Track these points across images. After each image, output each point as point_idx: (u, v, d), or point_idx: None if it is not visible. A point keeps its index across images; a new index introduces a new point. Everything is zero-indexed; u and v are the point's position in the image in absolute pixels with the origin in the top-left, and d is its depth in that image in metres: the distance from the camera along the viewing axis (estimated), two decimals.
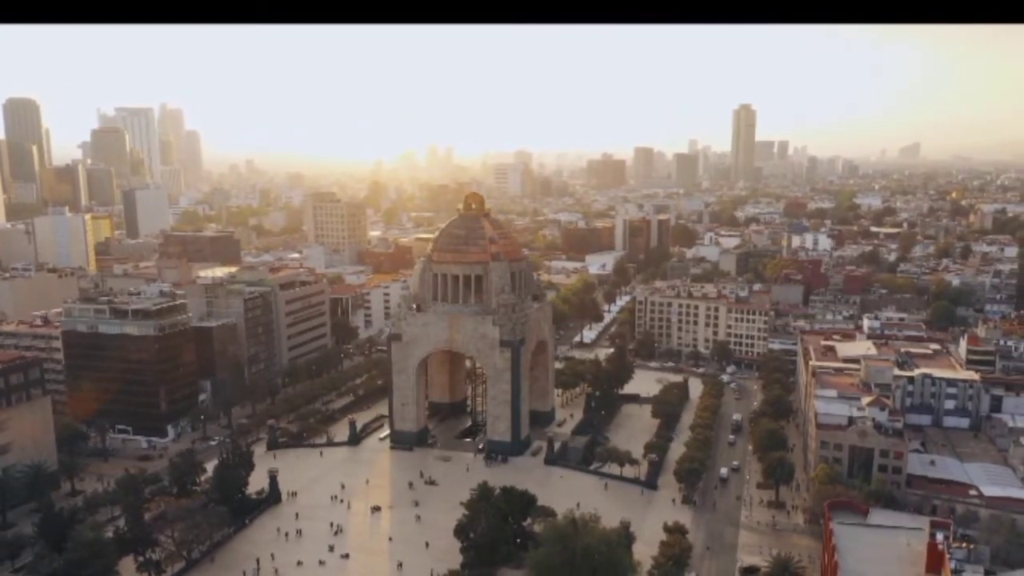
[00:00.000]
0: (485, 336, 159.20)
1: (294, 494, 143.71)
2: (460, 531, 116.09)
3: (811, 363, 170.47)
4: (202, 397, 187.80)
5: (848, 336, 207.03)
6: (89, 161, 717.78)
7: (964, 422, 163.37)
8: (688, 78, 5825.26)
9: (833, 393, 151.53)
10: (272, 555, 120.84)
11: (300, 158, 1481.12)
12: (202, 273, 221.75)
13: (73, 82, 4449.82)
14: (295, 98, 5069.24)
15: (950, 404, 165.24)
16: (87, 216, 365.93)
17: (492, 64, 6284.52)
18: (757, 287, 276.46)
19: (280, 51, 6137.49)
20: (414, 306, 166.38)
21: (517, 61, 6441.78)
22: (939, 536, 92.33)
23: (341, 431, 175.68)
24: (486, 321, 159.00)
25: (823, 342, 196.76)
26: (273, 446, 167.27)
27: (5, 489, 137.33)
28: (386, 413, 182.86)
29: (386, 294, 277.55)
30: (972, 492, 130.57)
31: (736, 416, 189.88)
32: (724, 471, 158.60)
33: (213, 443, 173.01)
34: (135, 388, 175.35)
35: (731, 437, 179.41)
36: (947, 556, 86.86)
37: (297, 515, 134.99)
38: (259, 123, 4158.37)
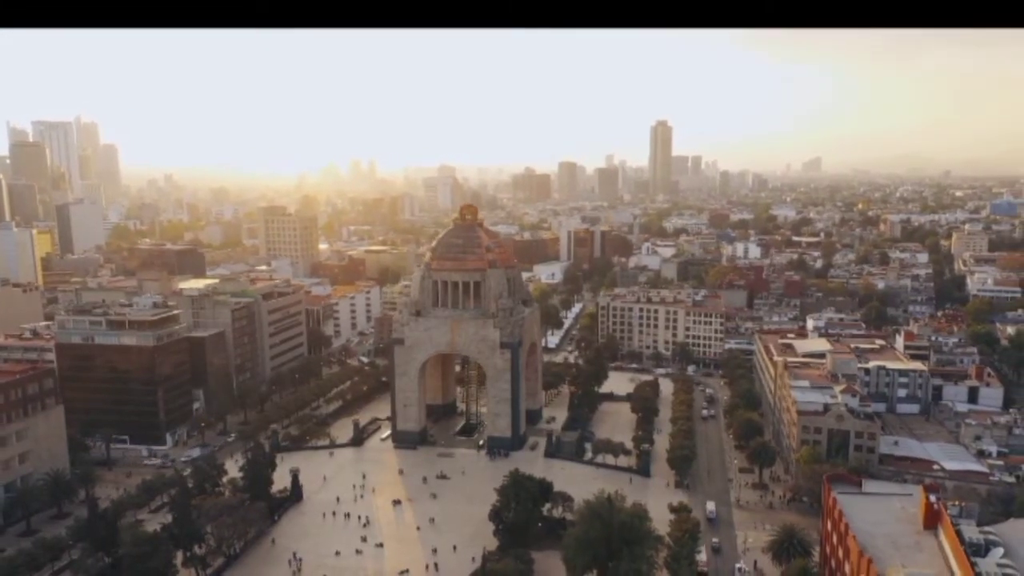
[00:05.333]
0: (486, 339, 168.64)
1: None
2: (494, 515, 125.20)
3: (780, 358, 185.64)
4: (196, 405, 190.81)
5: (801, 334, 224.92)
6: (1, 176, 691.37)
7: (915, 408, 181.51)
8: (601, 94, 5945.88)
9: (806, 383, 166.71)
10: (294, 554, 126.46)
11: (219, 172, 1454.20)
12: (180, 285, 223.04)
13: None
14: (208, 111, 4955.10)
15: (902, 392, 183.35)
16: (34, 231, 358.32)
17: (408, 78, 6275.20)
18: (703, 293, 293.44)
19: (190, 62, 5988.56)
20: (415, 312, 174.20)
21: (433, 75, 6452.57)
22: (932, 497, 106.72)
23: (338, 434, 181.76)
24: (487, 324, 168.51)
25: (780, 340, 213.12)
26: (275, 449, 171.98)
27: (29, 496, 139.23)
28: (380, 416, 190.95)
29: (352, 305, 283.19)
30: (935, 467, 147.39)
31: (709, 390, 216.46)
32: (704, 412, 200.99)
33: (203, 450, 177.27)
34: (133, 397, 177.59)
35: (704, 403, 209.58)
36: (945, 511, 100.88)
37: (338, 499, 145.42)
38: (173, 137, 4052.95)
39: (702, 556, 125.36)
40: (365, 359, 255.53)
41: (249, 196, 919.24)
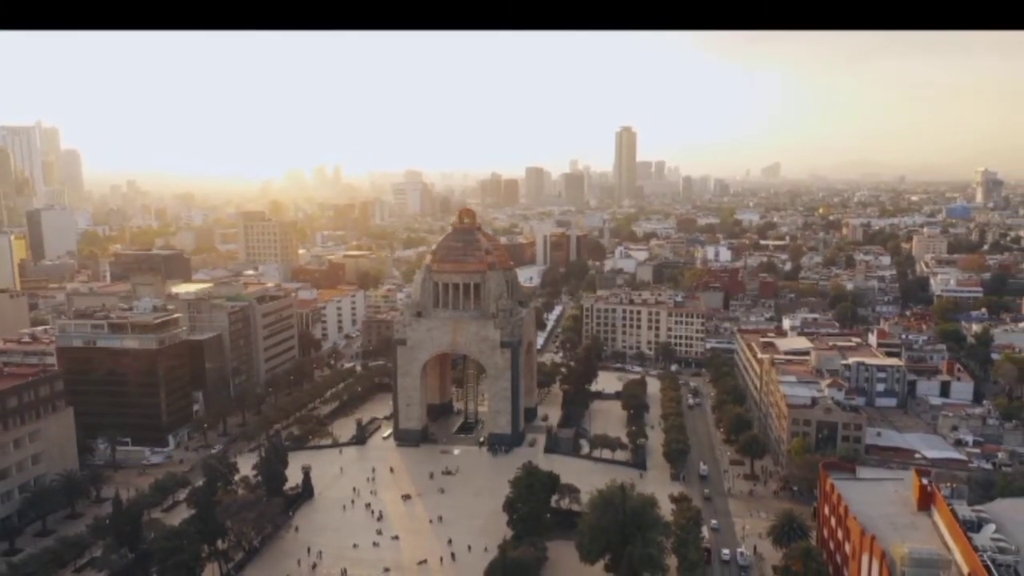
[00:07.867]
0: (487, 338, 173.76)
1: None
2: (508, 506, 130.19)
3: (766, 356, 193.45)
4: (196, 407, 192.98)
5: (780, 333, 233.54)
6: None
7: (892, 401, 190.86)
8: (562, 100, 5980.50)
9: (793, 379, 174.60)
10: (308, 549, 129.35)
11: (181, 178, 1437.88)
12: (174, 289, 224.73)
13: None
14: (166, 115, 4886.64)
15: (880, 387, 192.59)
16: (12, 237, 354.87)
17: (370, 83, 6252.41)
18: (682, 294, 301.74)
19: (146, 64, 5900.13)
20: (417, 312, 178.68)
21: (395, 80, 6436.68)
22: (925, 480, 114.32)
23: (339, 433, 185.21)
24: (487, 325, 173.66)
25: (762, 339, 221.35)
26: (279, 449, 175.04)
27: (44, 496, 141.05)
28: (378, 415, 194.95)
29: (339, 308, 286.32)
30: (917, 455, 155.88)
31: (693, 383, 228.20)
32: (691, 402, 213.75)
33: (166, 458, 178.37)
34: (135, 400, 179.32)
35: (690, 395, 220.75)
36: (939, 492, 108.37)
37: (355, 490, 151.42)
38: (132, 141, 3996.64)
39: (704, 536, 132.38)
40: (354, 361, 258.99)
41: (215, 202, 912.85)
